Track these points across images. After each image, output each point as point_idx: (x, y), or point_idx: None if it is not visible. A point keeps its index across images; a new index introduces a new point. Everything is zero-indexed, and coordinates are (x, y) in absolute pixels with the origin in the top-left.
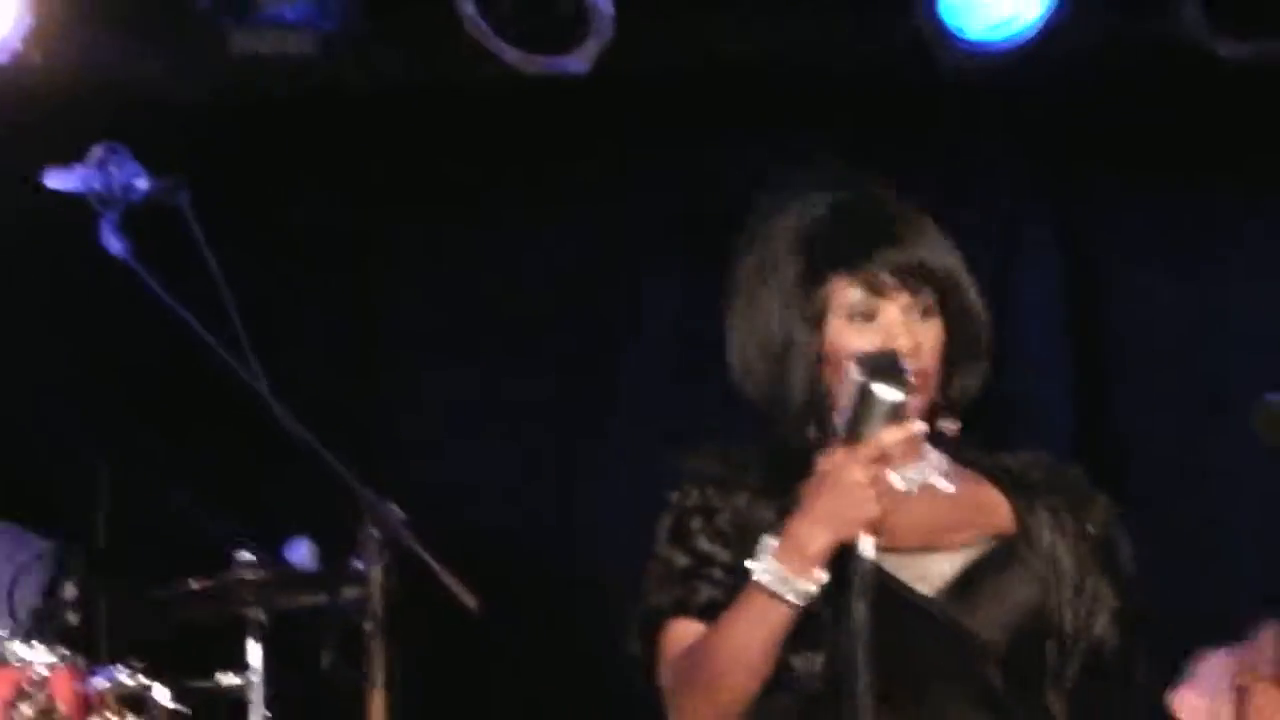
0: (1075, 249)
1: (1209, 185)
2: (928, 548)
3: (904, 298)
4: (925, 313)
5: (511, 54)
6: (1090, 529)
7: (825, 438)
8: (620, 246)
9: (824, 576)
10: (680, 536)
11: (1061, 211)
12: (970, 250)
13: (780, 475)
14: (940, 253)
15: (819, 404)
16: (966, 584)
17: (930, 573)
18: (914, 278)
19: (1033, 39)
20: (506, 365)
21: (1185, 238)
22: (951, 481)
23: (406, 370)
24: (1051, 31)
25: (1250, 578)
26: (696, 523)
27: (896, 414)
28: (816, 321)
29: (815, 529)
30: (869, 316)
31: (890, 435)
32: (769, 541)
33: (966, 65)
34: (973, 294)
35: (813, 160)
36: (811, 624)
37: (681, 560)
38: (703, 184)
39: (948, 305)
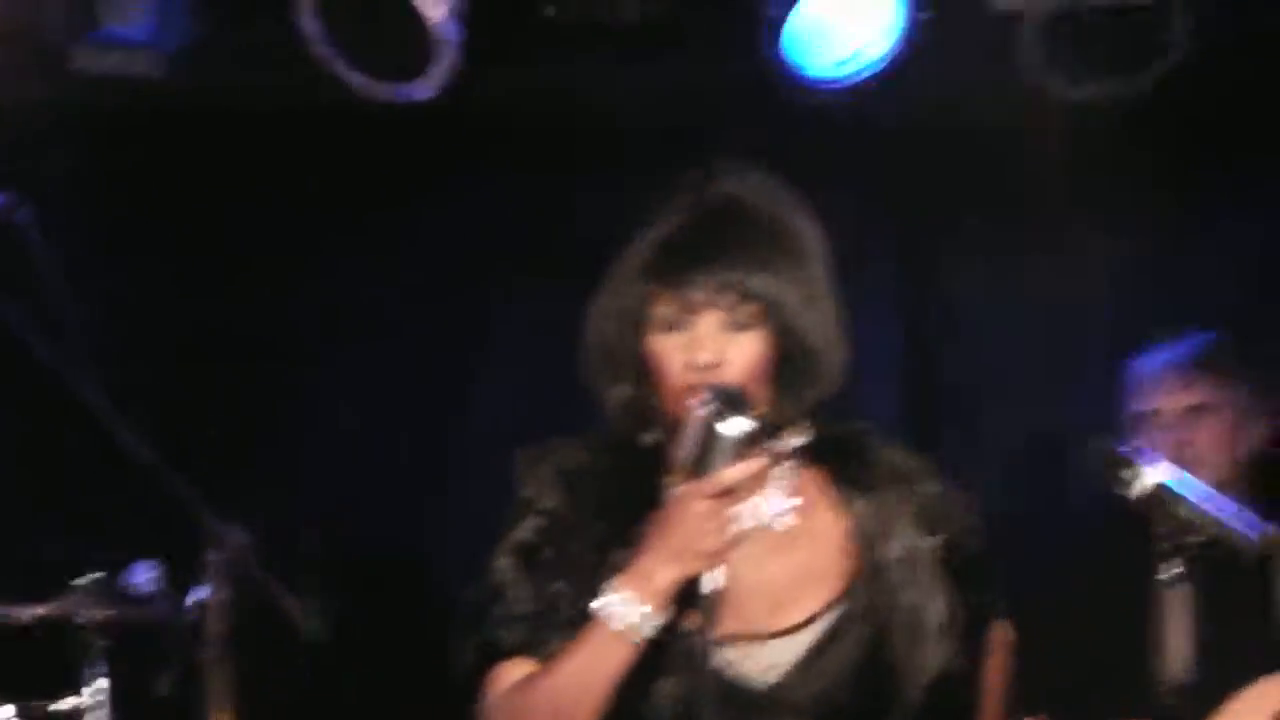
0: (915, 280)
1: (1054, 228)
2: (770, 633)
3: (716, 313)
4: (743, 326)
5: (356, 79)
6: (927, 541)
7: (651, 443)
8: (468, 270)
9: (662, 617)
10: (530, 567)
11: (902, 245)
12: None
13: (622, 487)
14: (768, 272)
15: (638, 407)
16: (807, 665)
17: (777, 661)
18: (728, 294)
19: (876, 75)
20: (362, 381)
21: (1023, 271)
22: (795, 504)
23: (256, 388)
24: (895, 68)
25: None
26: (549, 554)
27: (741, 448)
28: (634, 330)
29: (661, 564)
30: (679, 328)
31: (735, 470)
32: (612, 580)
33: (810, 101)
34: (803, 312)
35: (714, 159)
36: (634, 715)
37: (531, 596)
38: (550, 208)
39: (772, 322)
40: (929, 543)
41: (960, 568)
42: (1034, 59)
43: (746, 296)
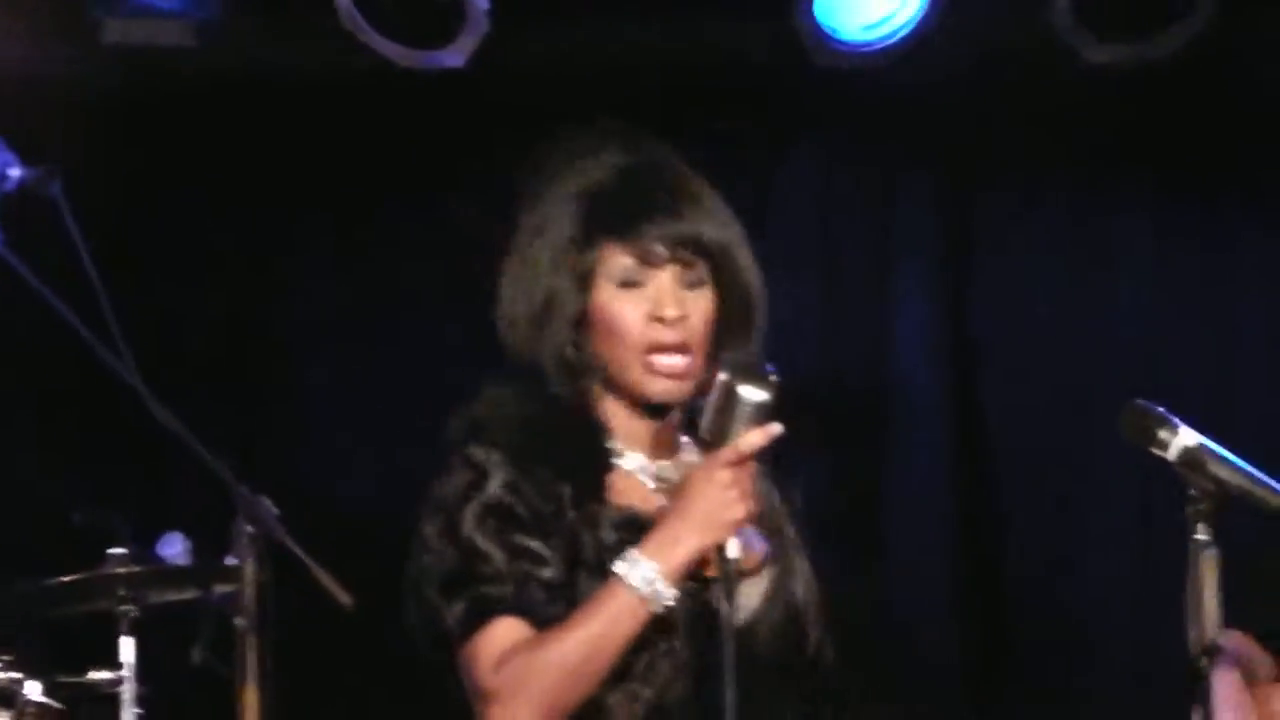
0: (951, 247)
1: (1082, 184)
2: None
3: (674, 268)
4: (695, 284)
5: (387, 47)
6: (792, 501)
7: (582, 397)
8: (498, 241)
9: (681, 587)
10: (505, 525)
11: (938, 209)
12: (850, 250)
13: (571, 447)
14: (716, 225)
15: (576, 363)
16: (770, 602)
17: (746, 601)
18: (686, 249)
19: (907, 39)
20: (385, 358)
21: (1058, 235)
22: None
23: (282, 364)
24: (926, 32)
25: (1111, 578)
26: (520, 510)
27: (760, 415)
28: (583, 283)
29: (685, 533)
30: (638, 284)
31: (754, 437)
32: (632, 548)
33: (842, 65)
34: (746, 266)
35: (598, 121)
36: (640, 661)
37: (510, 554)
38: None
39: (720, 277)
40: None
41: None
42: (1064, 21)
43: (700, 249)
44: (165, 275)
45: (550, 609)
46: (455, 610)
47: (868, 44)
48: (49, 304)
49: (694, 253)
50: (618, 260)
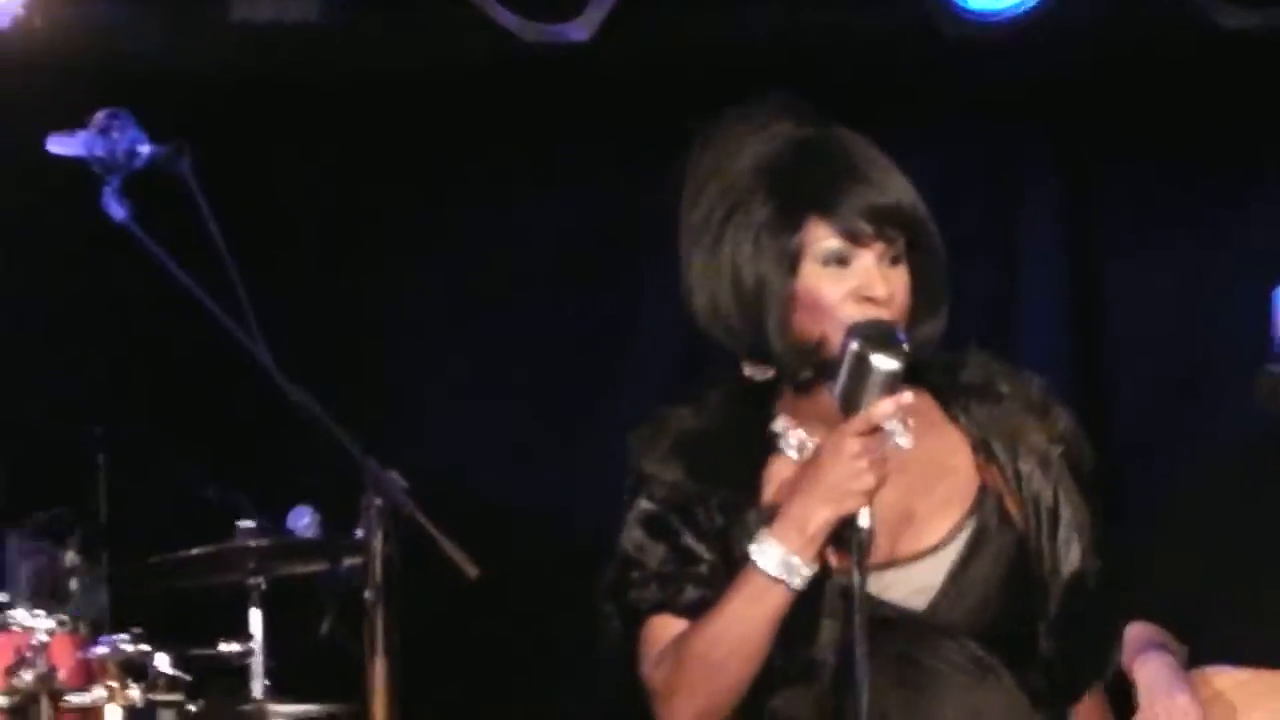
0: (1079, 219)
1: (1214, 155)
2: (906, 557)
3: (879, 245)
4: (895, 260)
5: (509, 19)
6: (1054, 446)
7: (814, 380)
8: (622, 220)
9: (816, 562)
10: (659, 532)
11: (1066, 181)
12: (980, 223)
13: (739, 447)
14: (910, 194)
15: (796, 346)
16: (954, 584)
17: (921, 585)
18: (888, 223)
19: (1035, 9)
20: (510, 336)
21: (1186, 207)
22: (910, 424)
23: (409, 339)
24: (1054, 2)
25: None
26: (675, 519)
27: (892, 383)
28: (791, 265)
29: (814, 505)
30: (844, 263)
31: (884, 406)
32: (763, 527)
33: (971, 36)
34: (937, 237)
35: (765, 94)
36: (800, 662)
37: (662, 556)
38: None
39: (915, 250)
40: (1055, 449)
41: (1082, 472)
42: None
43: (902, 223)
44: (294, 252)
45: (703, 607)
46: (613, 617)
47: (998, 13)
48: (179, 281)
49: (895, 225)
50: (822, 239)
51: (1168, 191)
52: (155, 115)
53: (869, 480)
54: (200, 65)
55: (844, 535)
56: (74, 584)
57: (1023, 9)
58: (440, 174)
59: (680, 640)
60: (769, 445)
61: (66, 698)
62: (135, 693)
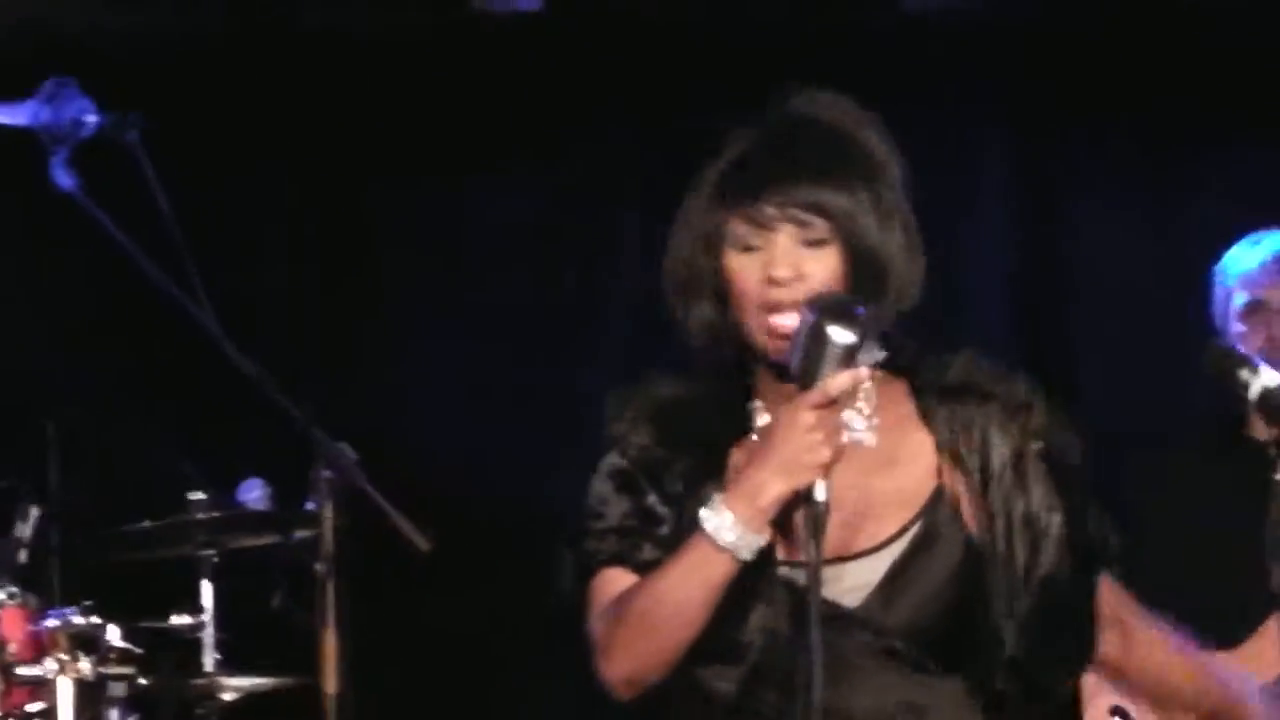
0: (1033, 187)
1: (1168, 121)
2: (852, 553)
3: (790, 228)
4: (815, 243)
5: None
6: (1031, 444)
7: (735, 366)
8: (587, 191)
9: (766, 534)
10: (627, 489)
11: (1020, 148)
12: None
13: (712, 418)
14: (838, 187)
15: (718, 328)
16: (891, 584)
17: (858, 582)
18: (801, 210)
19: None
20: (469, 304)
21: (1141, 173)
22: (874, 423)
23: (373, 312)
24: None
25: None
26: (643, 479)
27: (849, 356)
28: (714, 252)
29: (767, 477)
30: (756, 248)
31: (841, 379)
32: (716, 494)
33: (927, 4)
34: (874, 228)
35: (782, 82)
36: (727, 640)
37: (625, 512)
38: (666, 127)
39: (844, 238)
40: (1032, 447)
41: (1061, 471)
42: None
43: (817, 212)
44: (241, 221)
45: (655, 565)
46: (568, 563)
47: None
48: (128, 252)
49: (810, 213)
50: (736, 226)
51: (1125, 160)
52: (100, 85)
53: (824, 454)
54: (140, 31)
55: (798, 513)
56: (23, 556)
57: None
58: (406, 145)
59: (624, 597)
60: (744, 423)
61: (17, 670)
62: (86, 665)
